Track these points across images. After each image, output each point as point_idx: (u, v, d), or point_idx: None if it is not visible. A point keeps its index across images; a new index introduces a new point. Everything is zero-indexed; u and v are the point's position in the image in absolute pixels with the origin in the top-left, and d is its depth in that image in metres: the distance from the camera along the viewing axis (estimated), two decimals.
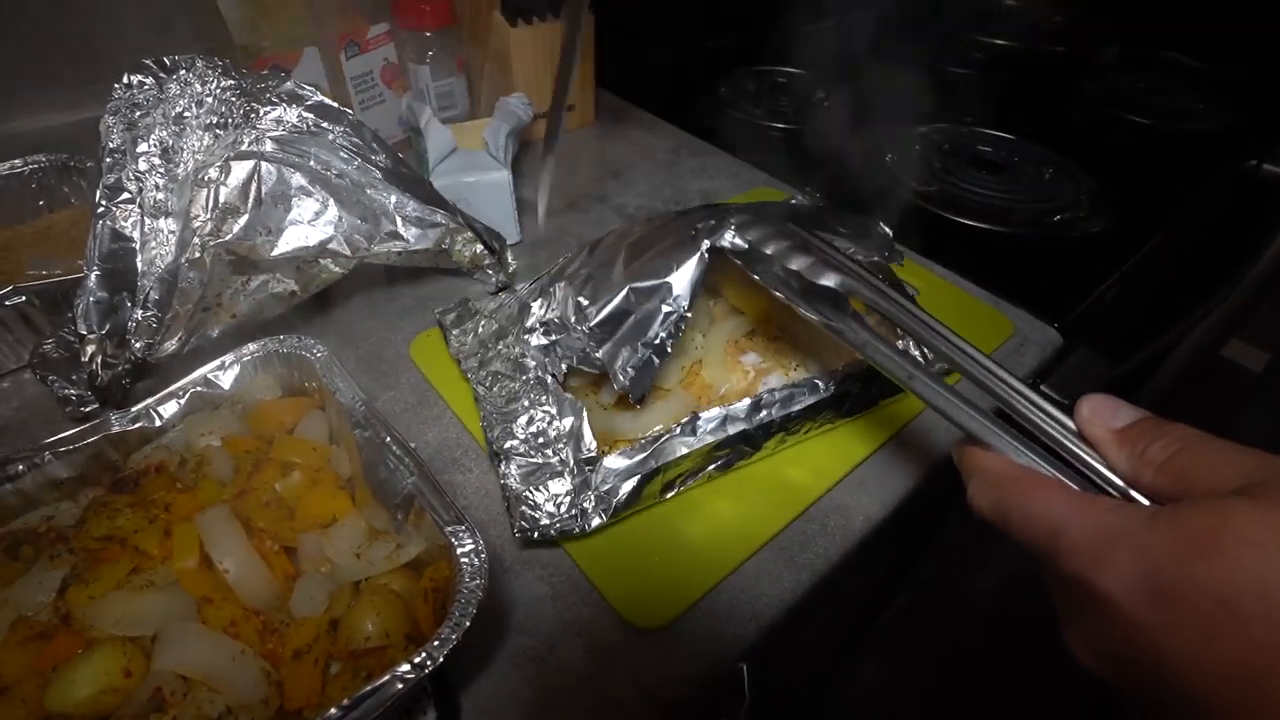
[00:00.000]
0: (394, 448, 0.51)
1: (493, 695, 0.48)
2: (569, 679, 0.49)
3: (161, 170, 0.59)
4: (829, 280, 0.52)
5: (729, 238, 0.56)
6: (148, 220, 0.58)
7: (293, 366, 0.62)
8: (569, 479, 0.55)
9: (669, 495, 0.59)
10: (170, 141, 0.59)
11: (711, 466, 0.61)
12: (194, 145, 0.60)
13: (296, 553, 0.50)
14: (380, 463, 0.51)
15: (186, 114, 0.60)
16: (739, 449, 0.60)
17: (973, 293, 0.84)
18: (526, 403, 0.59)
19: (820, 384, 0.62)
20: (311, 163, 0.60)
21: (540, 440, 0.58)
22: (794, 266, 0.53)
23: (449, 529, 0.46)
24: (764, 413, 0.59)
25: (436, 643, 0.40)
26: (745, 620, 0.53)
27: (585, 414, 0.56)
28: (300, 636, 0.43)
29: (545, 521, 0.54)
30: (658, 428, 0.62)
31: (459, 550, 0.45)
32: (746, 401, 0.62)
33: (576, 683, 0.49)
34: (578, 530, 0.55)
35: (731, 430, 0.58)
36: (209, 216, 0.57)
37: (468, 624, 0.41)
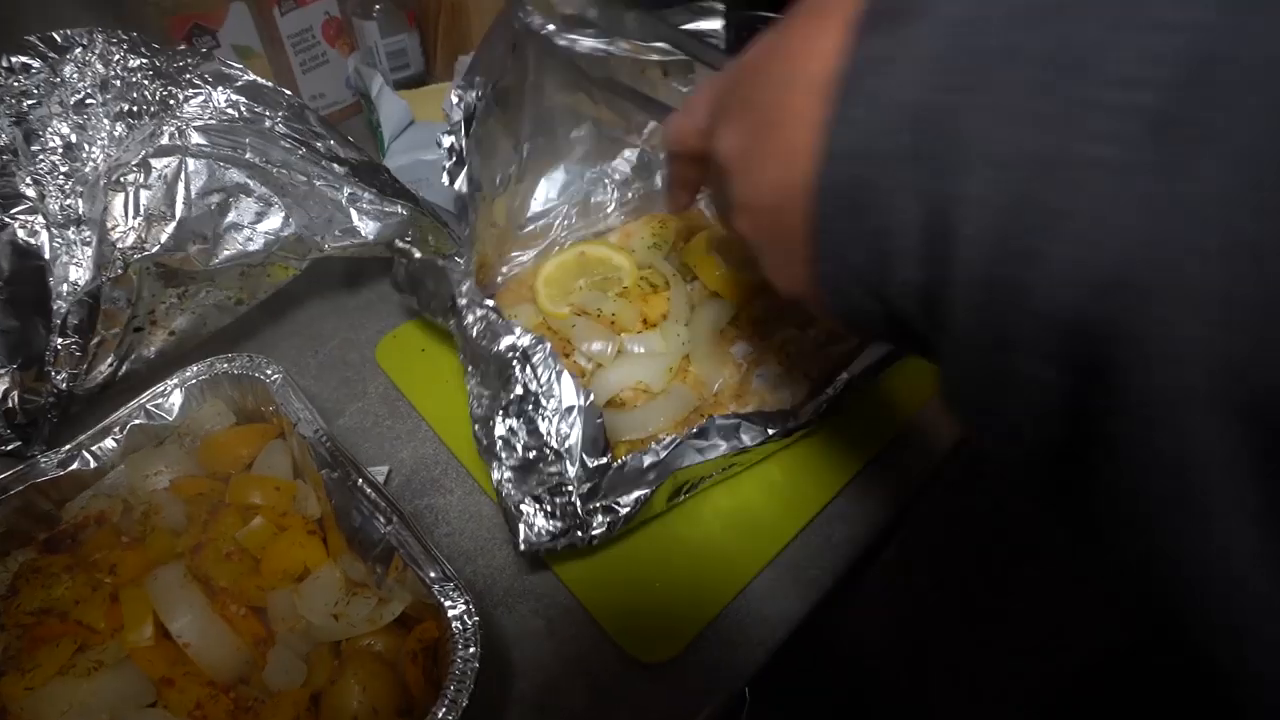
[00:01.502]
0: (367, 491, 0.46)
1: None
2: None
3: (65, 171, 0.50)
4: None
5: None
6: (55, 231, 0.49)
7: (245, 389, 0.55)
8: (575, 485, 0.50)
9: (675, 501, 0.56)
10: (73, 136, 0.50)
11: (720, 472, 0.57)
12: (103, 139, 0.51)
13: (266, 612, 0.45)
14: (352, 508, 0.46)
15: (90, 101, 0.51)
16: (749, 454, 0.56)
17: None
18: (523, 388, 0.53)
19: (833, 387, 0.59)
20: (248, 155, 0.52)
21: (540, 433, 0.52)
22: None
23: (437, 588, 0.42)
24: (776, 424, 0.56)
25: None
26: (753, 645, 0.51)
27: (591, 398, 0.50)
28: (279, 717, 0.39)
29: (548, 533, 0.50)
30: (660, 421, 0.58)
31: (450, 612, 0.41)
32: (753, 410, 0.58)
33: None
34: (583, 543, 0.51)
35: (747, 438, 0.54)
36: (130, 226, 0.50)
37: (465, 702, 0.37)
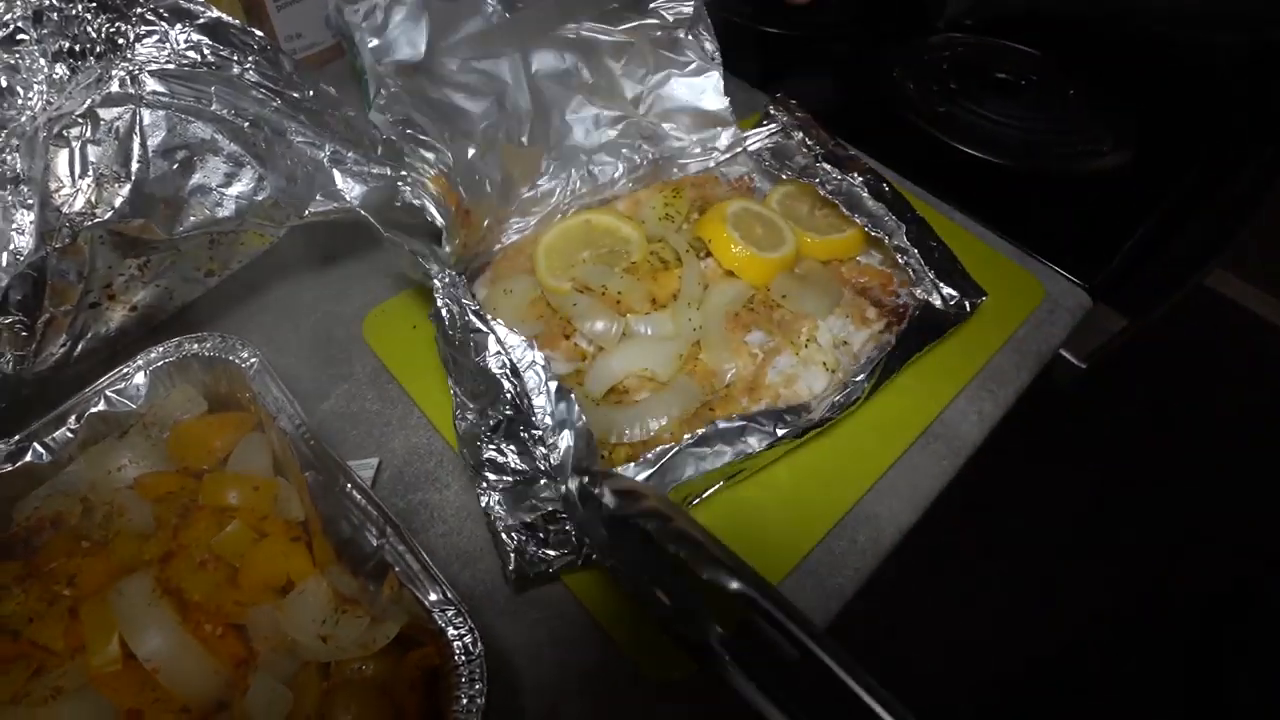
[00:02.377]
0: (357, 498, 0.41)
1: None
2: None
3: None
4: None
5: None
6: None
7: (218, 373, 0.50)
8: (569, 500, 0.46)
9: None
10: (2, 79, 0.43)
11: (723, 483, 0.53)
12: (39, 83, 0.44)
13: (246, 629, 0.41)
14: (341, 516, 0.41)
15: (22, 36, 0.43)
16: (756, 459, 0.52)
17: (999, 248, 0.76)
18: (513, 408, 0.48)
19: (851, 385, 0.55)
20: (214, 107, 0.45)
21: (532, 455, 0.48)
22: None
23: (438, 613, 0.37)
24: (787, 424, 0.51)
25: None
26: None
27: (585, 419, 0.46)
28: None
29: (541, 559, 0.46)
30: (664, 420, 0.54)
31: (454, 642, 0.37)
32: (765, 408, 0.54)
33: None
34: (580, 563, 0.47)
35: (754, 442, 0.50)
36: (77, 187, 0.43)
37: None
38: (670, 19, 0.71)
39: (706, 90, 0.73)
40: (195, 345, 0.49)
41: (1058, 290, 0.73)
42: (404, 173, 0.53)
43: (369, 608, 0.41)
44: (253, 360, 0.48)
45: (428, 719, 0.37)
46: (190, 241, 0.49)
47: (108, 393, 0.47)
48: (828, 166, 0.68)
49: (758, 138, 0.75)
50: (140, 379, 0.48)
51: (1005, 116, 0.92)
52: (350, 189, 0.53)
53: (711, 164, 0.74)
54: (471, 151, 0.59)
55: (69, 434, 0.46)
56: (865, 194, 0.66)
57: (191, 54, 0.45)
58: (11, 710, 0.35)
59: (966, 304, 0.62)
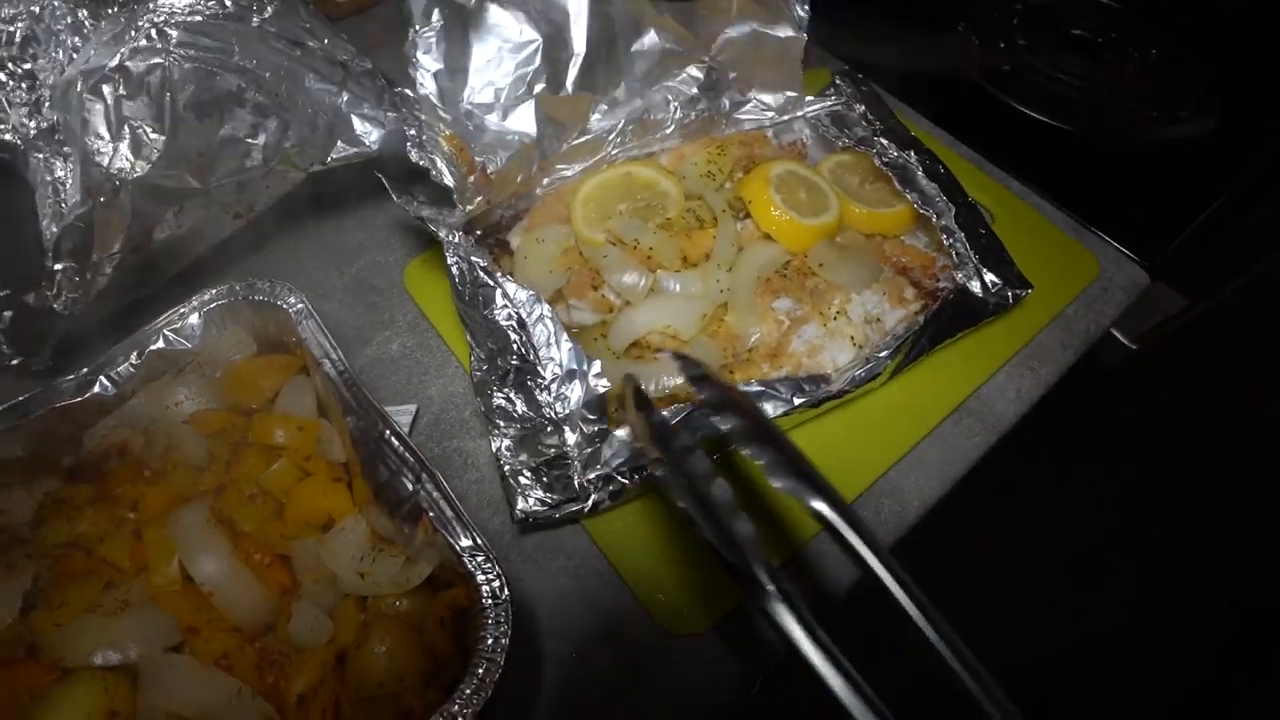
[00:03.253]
0: (395, 444, 0.43)
1: (514, 708, 0.45)
2: (598, 690, 0.46)
3: (26, 67, 0.44)
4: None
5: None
6: (33, 145, 0.45)
7: (266, 317, 0.52)
8: (575, 452, 0.47)
9: None
10: (27, 27, 0.44)
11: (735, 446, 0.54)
12: (62, 31, 0.45)
13: (290, 561, 0.43)
14: (379, 461, 0.43)
15: None
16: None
17: (1054, 219, 0.72)
18: (519, 358, 0.49)
19: (874, 360, 0.54)
20: (237, 58, 0.46)
21: (538, 403, 0.49)
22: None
23: (468, 558, 0.39)
24: (805, 393, 0.51)
25: (459, 704, 0.35)
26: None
27: (595, 369, 0.47)
28: (304, 677, 0.38)
29: (545, 502, 0.48)
30: (680, 380, 0.54)
31: (482, 587, 0.39)
32: (785, 375, 0.54)
33: (606, 694, 0.46)
34: (583, 512, 0.49)
35: (771, 410, 0.50)
36: (115, 144, 0.44)
37: (494, 683, 0.36)
38: None
39: (786, 52, 0.70)
40: (245, 291, 0.51)
41: (1113, 267, 0.69)
42: (413, 132, 0.53)
43: (404, 548, 0.43)
44: (299, 306, 0.50)
45: (455, 654, 0.40)
46: (221, 188, 0.51)
47: (165, 332, 0.49)
48: (885, 141, 0.66)
49: (819, 105, 0.72)
50: (195, 320, 0.50)
51: (1075, 77, 0.87)
52: (369, 134, 0.54)
53: (767, 122, 0.72)
54: (497, 115, 0.59)
55: (131, 368, 0.48)
56: (920, 172, 0.64)
57: (212, 4, 0.46)
58: (88, 617, 0.39)
59: (1009, 294, 0.60)
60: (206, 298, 0.51)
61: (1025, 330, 0.63)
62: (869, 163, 0.67)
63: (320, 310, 0.61)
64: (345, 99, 0.53)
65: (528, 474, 0.49)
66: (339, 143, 0.54)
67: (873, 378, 0.54)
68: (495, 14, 0.59)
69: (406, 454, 0.43)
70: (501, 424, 0.50)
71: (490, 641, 0.37)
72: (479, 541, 0.40)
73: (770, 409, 0.50)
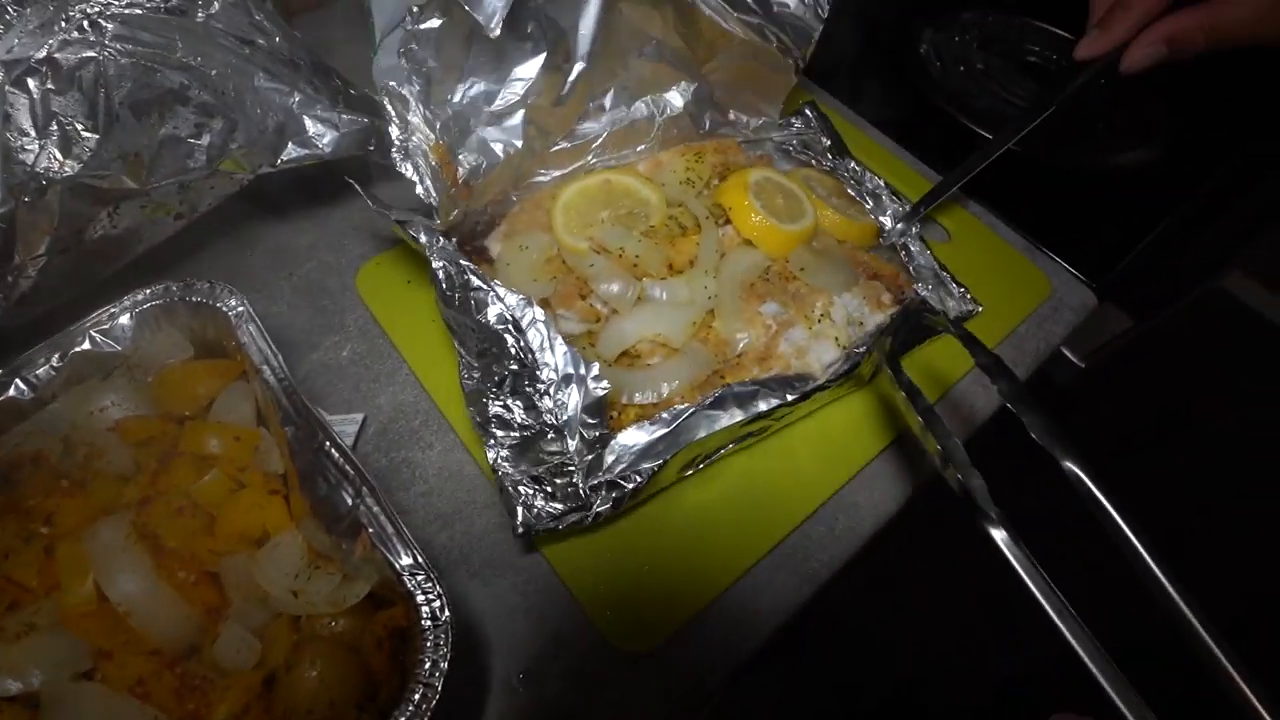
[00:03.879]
0: (335, 455, 0.41)
1: None
2: (545, 712, 0.44)
3: None
4: None
5: None
6: None
7: (205, 319, 0.49)
8: (576, 459, 0.46)
9: (687, 474, 0.52)
10: None
11: (733, 443, 0.53)
12: None
13: (220, 577, 0.41)
14: (318, 474, 0.41)
15: None
16: (765, 423, 0.52)
17: (1008, 239, 0.74)
18: (517, 362, 0.48)
19: (854, 355, 0.55)
20: (180, 54, 0.44)
21: (538, 410, 0.48)
22: None
23: (408, 577, 0.38)
24: (796, 389, 0.51)
25: None
26: (739, 639, 0.49)
27: (593, 371, 0.46)
28: (228, 703, 0.36)
29: (549, 515, 0.46)
30: (675, 384, 0.53)
31: (422, 608, 0.37)
32: (776, 374, 0.54)
33: (553, 716, 0.44)
34: (588, 522, 0.47)
35: (764, 405, 0.50)
36: (42, 141, 0.42)
37: (431, 709, 0.34)
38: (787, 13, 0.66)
39: (774, 85, 0.70)
40: (181, 292, 0.49)
41: (1064, 287, 0.71)
42: (398, 137, 0.51)
43: (341, 565, 0.41)
44: (240, 308, 0.48)
45: (394, 677, 0.38)
46: (161, 189, 0.48)
47: (92, 332, 0.46)
48: (854, 164, 0.68)
49: (785, 133, 0.74)
50: (126, 320, 0.47)
51: (1030, 102, 0.89)
52: (322, 137, 0.52)
53: (739, 139, 0.72)
54: (483, 123, 0.57)
55: (52, 371, 0.45)
56: (883, 196, 0.67)
57: None
58: None
59: (965, 309, 0.63)
60: (140, 298, 0.48)
61: (952, 368, 0.64)
62: (837, 181, 0.69)
63: (266, 313, 0.59)
64: (297, 99, 0.51)
65: (528, 483, 0.47)
66: (290, 144, 0.52)
67: (854, 368, 0.55)
68: (498, 14, 0.57)
69: (346, 467, 0.41)
70: (499, 433, 0.48)
71: (429, 665, 0.35)
72: (420, 560, 0.38)
73: (763, 404, 0.50)
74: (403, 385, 0.57)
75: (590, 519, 0.47)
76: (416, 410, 0.56)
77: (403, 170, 0.52)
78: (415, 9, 0.52)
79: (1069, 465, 0.41)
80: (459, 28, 0.53)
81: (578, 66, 0.60)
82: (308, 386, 0.56)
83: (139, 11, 0.43)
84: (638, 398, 0.52)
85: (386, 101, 0.51)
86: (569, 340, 0.56)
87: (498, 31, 0.50)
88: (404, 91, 0.52)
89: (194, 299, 0.48)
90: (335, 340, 0.59)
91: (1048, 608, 0.37)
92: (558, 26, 0.57)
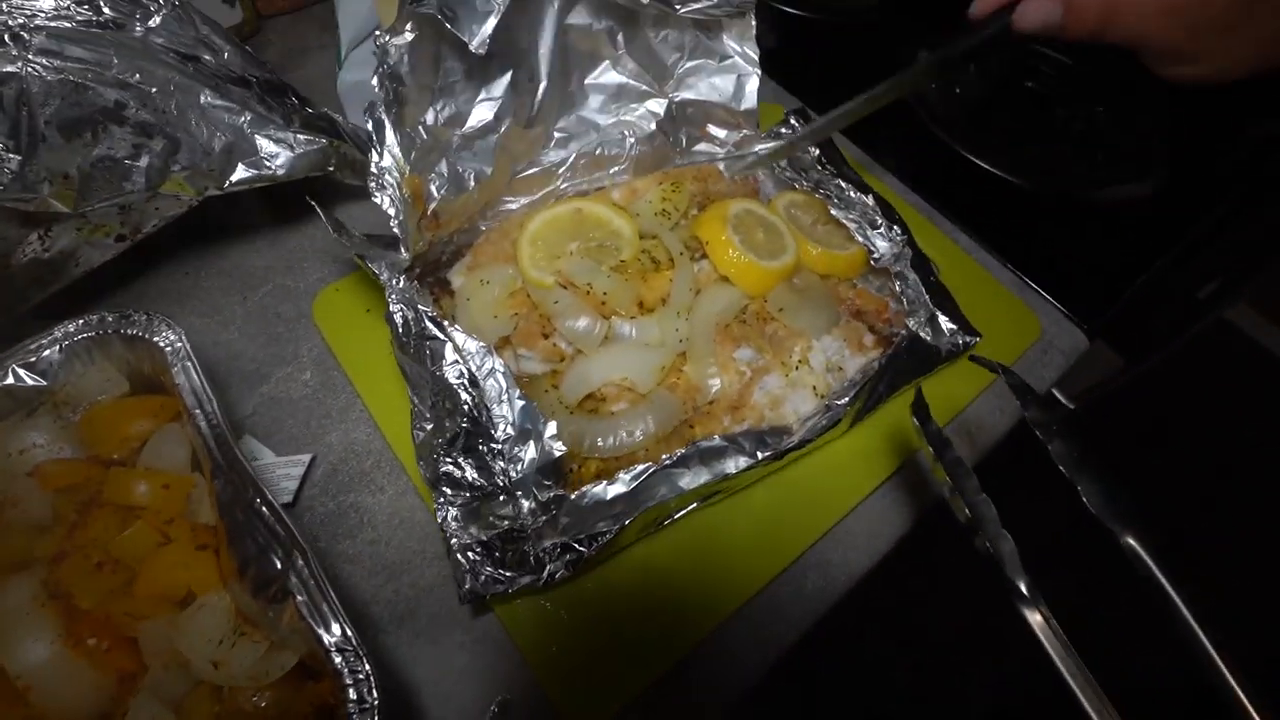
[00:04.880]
0: (265, 514, 0.39)
1: None
2: None
3: None
4: None
5: None
6: None
7: (141, 353, 0.46)
8: (530, 520, 0.43)
9: (648, 533, 0.50)
10: None
11: (698, 504, 0.51)
12: None
13: (138, 642, 0.38)
14: (247, 533, 0.39)
15: None
16: (734, 482, 0.49)
17: (999, 276, 0.71)
18: (471, 420, 0.45)
19: (834, 408, 0.52)
20: (115, 71, 0.41)
21: (491, 471, 0.45)
22: None
23: (335, 655, 0.35)
24: (768, 446, 0.49)
25: None
26: (697, 710, 0.46)
27: (550, 430, 0.43)
28: None
29: (497, 579, 0.44)
30: (639, 435, 0.51)
31: (348, 685, 0.34)
32: (747, 428, 0.51)
33: None
34: (541, 584, 0.45)
35: (731, 466, 0.47)
36: None
37: None
38: (729, 4, 0.62)
39: (741, 89, 0.67)
40: (118, 322, 0.46)
41: (1054, 328, 0.69)
42: (375, 164, 0.48)
43: (268, 634, 0.38)
44: (177, 344, 0.45)
45: None
46: (98, 211, 0.45)
47: (15, 367, 0.44)
48: (842, 184, 0.65)
49: (773, 143, 0.70)
50: (53, 353, 0.45)
51: (1027, 131, 0.87)
52: (275, 157, 0.49)
53: (720, 156, 0.69)
54: (455, 148, 0.54)
55: None
56: (876, 216, 0.62)
57: (84, 10, 0.40)
58: None
59: (960, 341, 0.59)
60: (71, 329, 0.45)
61: (965, 392, 0.62)
62: (822, 204, 0.66)
63: (217, 341, 0.56)
64: (248, 118, 0.48)
65: (477, 550, 0.44)
66: (240, 165, 0.49)
67: (834, 424, 0.52)
68: (480, 31, 0.53)
69: (277, 527, 0.38)
70: (449, 491, 0.45)
71: None
72: (349, 633, 0.35)
73: (733, 466, 0.47)
74: (356, 423, 0.54)
75: (543, 581, 0.44)
76: (369, 450, 0.53)
77: (378, 200, 0.49)
78: (382, 28, 0.49)
79: (1130, 541, 0.37)
80: (430, 44, 0.50)
81: (541, 86, 0.57)
82: (255, 421, 0.53)
83: (68, 25, 0.40)
84: (600, 445, 0.50)
85: (369, 121, 0.48)
86: (531, 381, 0.54)
87: (484, 49, 0.48)
88: (381, 114, 0.49)
89: (129, 331, 0.46)
90: (288, 372, 0.56)
91: (1089, 709, 0.34)
92: (518, 46, 0.55)
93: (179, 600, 0.39)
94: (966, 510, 0.40)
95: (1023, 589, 0.37)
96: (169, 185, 0.47)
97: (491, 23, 0.46)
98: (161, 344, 0.45)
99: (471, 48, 0.45)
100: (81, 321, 0.45)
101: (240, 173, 0.50)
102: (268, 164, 0.50)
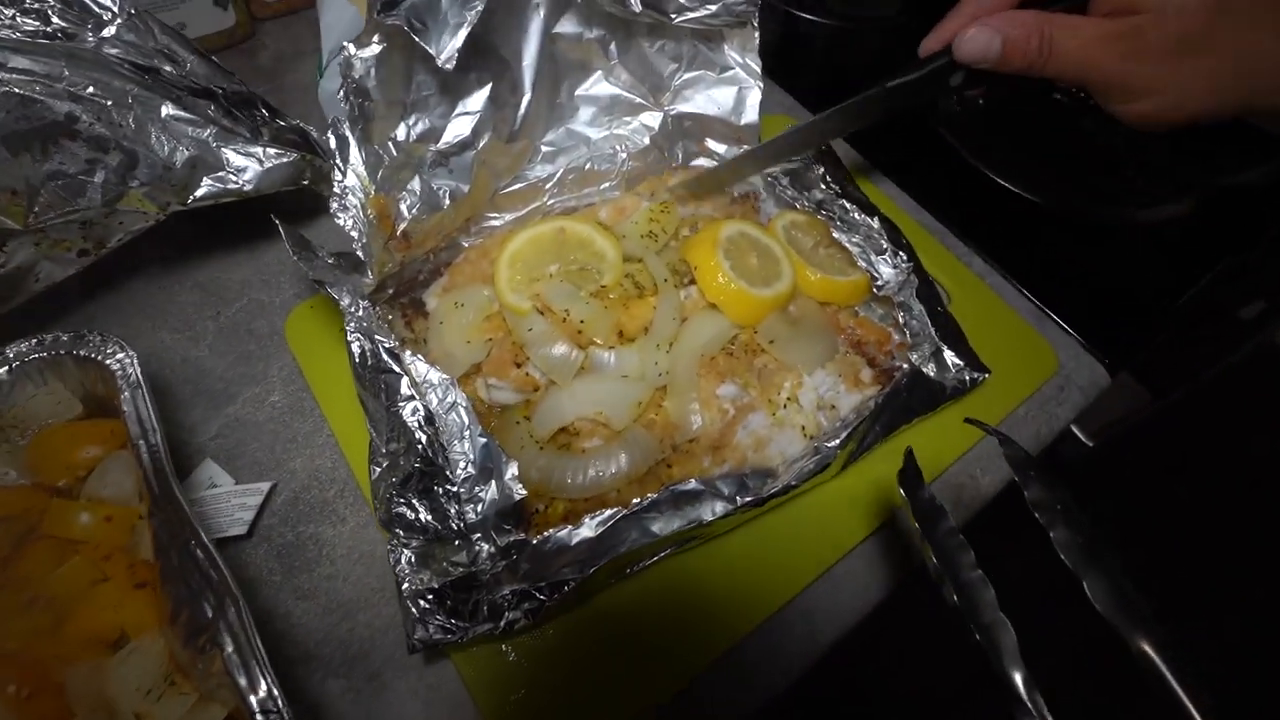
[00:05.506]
0: (199, 557, 0.36)
1: None
2: None
3: None
4: None
5: None
6: None
7: (94, 374, 0.45)
8: (489, 564, 0.40)
9: (614, 580, 0.47)
10: None
11: (671, 550, 0.48)
12: None
13: (64, 688, 0.36)
14: (182, 578, 0.37)
15: None
16: (710, 529, 0.46)
17: (1014, 304, 0.67)
18: (426, 462, 0.43)
19: (824, 450, 0.48)
20: (64, 84, 0.39)
21: (446, 508, 0.43)
22: None
23: (259, 715, 0.33)
24: (750, 491, 0.45)
25: None
26: None
27: (511, 471, 0.41)
28: None
29: (447, 629, 0.41)
30: (612, 475, 0.48)
31: None
32: (729, 473, 0.48)
33: None
34: (498, 633, 0.42)
35: (708, 513, 0.44)
36: None
37: None
38: (729, 14, 0.57)
39: (742, 102, 0.63)
40: (72, 342, 0.44)
41: (1072, 362, 0.64)
42: (338, 182, 0.46)
43: (198, 683, 0.36)
44: (129, 369, 0.43)
45: None
46: (56, 225, 0.44)
47: None
48: (847, 205, 0.61)
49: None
50: (2, 374, 0.43)
51: (1050, 144, 0.82)
52: (243, 172, 0.47)
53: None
54: (429, 164, 0.52)
55: None
56: (882, 241, 0.58)
57: (31, 20, 0.39)
58: None
59: (967, 378, 0.55)
60: (23, 349, 0.44)
61: (972, 430, 0.58)
62: (824, 226, 0.62)
63: (186, 357, 0.55)
64: (213, 131, 0.46)
65: (429, 598, 0.42)
66: (205, 180, 0.48)
67: (823, 469, 0.48)
68: (450, 45, 0.51)
69: (211, 571, 0.36)
70: (401, 533, 0.43)
71: None
72: (275, 693, 0.33)
73: (711, 510, 0.44)
74: (321, 449, 0.52)
75: (501, 630, 0.42)
76: (333, 479, 0.51)
77: (339, 220, 0.47)
78: (350, 40, 0.46)
79: (1143, 646, 0.33)
80: (400, 57, 0.48)
81: (525, 99, 0.54)
82: (219, 444, 0.52)
83: (14, 35, 0.39)
84: (570, 483, 0.47)
85: (331, 139, 0.46)
86: (502, 412, 0.51)
87: (452, 65, 0.45)
88: (345, 131, 0.47)
89: (81, 353, 0.44)
90: (256, 392, 0.54)
91: None
92: (500, 56, 0.52)
93: (111, 642, 0.38)
94: (955, 596, 0.36)
95: (1020, 688, 0.32)
96: (127, 201, 0.45)
97: (462, 35, 0.44)
98: (113, 367, 0.43)
99: (439, 62, 0.43)
100: (34, 341, 0.44)
101: (205, 188, 0.48)
102: (234, 179, 0.48)
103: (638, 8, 0.53)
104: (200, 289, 0.59)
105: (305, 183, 0.53)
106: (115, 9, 0.42)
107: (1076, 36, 0.42)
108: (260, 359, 0.56)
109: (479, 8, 0.45)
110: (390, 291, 0.54)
